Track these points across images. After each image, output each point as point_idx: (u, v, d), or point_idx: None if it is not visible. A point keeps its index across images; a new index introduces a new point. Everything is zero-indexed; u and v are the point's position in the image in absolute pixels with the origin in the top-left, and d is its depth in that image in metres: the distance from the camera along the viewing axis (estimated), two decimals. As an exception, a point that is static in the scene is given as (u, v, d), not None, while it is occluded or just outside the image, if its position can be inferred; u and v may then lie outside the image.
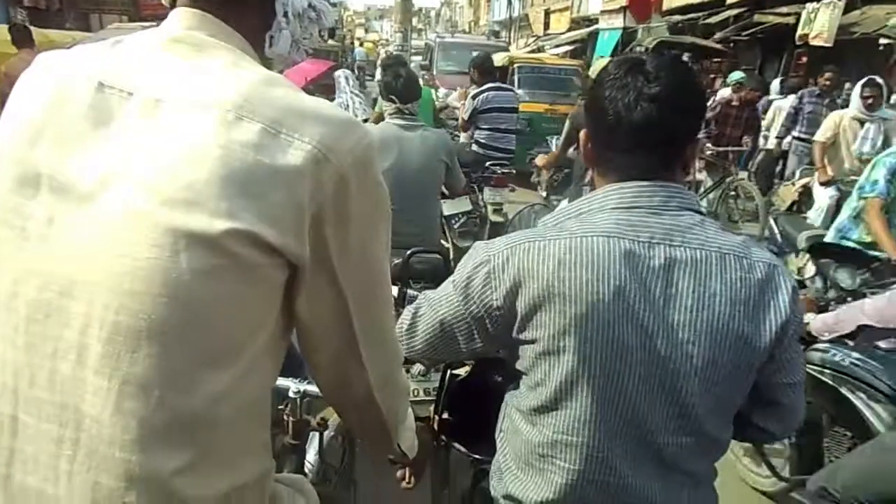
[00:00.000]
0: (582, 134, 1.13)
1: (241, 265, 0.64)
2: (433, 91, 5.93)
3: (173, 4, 0.74)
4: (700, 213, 1.07)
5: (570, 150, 4.83)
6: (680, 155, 1.07)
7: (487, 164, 4.91)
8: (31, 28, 6.29)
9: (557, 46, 18.99)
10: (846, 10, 9.77)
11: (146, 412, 0.64)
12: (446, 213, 4.18)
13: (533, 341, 1.05)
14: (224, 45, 0.71)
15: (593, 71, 5.14)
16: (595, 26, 24.16)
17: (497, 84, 5.33)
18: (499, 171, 4.83)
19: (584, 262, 1.00)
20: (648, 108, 1.00)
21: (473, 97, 5.12)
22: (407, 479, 1.25)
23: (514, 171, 5.08)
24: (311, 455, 1.51)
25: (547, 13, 31.05)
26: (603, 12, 23.08)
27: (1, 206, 0.69)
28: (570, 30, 26.86)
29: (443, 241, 3.95)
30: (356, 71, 19.93)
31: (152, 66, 0.69)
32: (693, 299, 1.00)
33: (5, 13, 12.70)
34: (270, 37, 0.78)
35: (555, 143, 5.83)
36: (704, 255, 1.01)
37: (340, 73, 6.35)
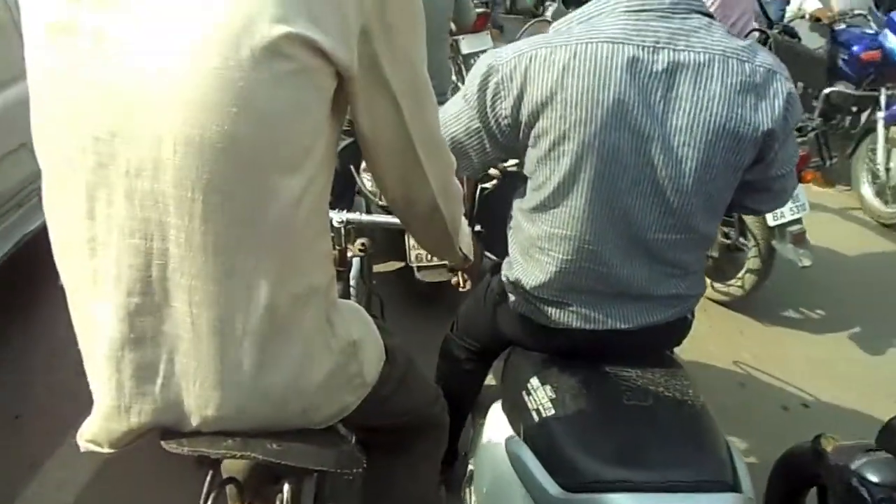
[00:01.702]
0: None
1: (299, 71, 0.66)
2: None
3: None
4: (709, 15, 1.09)
5: None
6: None
7: None
8: None
9: None
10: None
11: (232, 218, 0.68)
12: (464, 51, 3.94)
13: (536, 146, 1.13)
14: None
15: None
16: None
17: None
18: None
19: (587, 68, 1.04)
20: None
21: None
22: (462, 284, 1.39)
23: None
24: (353, 279, 1.62)
25: None
26: None
27: (47, 18, 0.67)
28: None
29: (460, 85, 3.81)
30: None
31: None
32: (691, 103, 1.05)
33: None
34: None
35: None
36: (707, 58, 1.04)
37: None
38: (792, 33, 4.40)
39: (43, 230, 0.79)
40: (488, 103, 1.14)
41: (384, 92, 0.75)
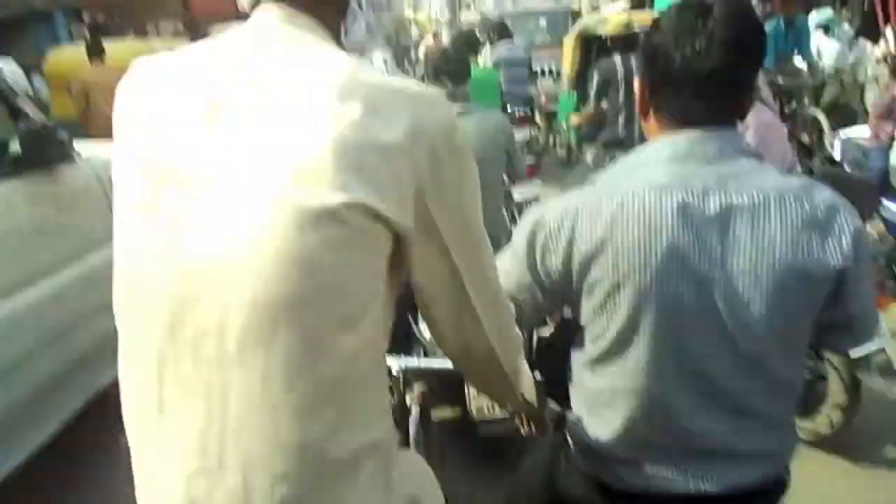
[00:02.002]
0: (637, 83, 1.15)
1: (358, 234, 0.69)
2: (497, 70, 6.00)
3: (256, 4, 0.80)
4: (758, 157, 1.08)
5: (603, 102, 4.74)
6: (741, 102, 1.08)
7: (507, 106, 5.61)
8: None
9: (615, 1, 18.31)
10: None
11: (291, 380, 0.70)
12: (517, 199, 4.08)
13: (590, 296, 1.10)
14: (312, 35, 0.78)
15: None
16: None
17: (509, 41, 6.50)
18: (519, 112, 5.88)
19: (636, 217, 1.03)
20: (719, 54, 1.00)
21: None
22: (527, 430, 1.34)
23: (530, 113, 6.34)
24: (413, 428, 1.58)
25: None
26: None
27: (133, 198, 0.76)
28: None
29: (513, 230, 3.89)
30: (401, 51, 19.82)
31: (254, 59, 0.76)
32: (752, 245, 1.01)
33: (67, 30, 13.42)
34: (345, 26, 0.85)
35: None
36: (762, 199, 1.01)
37: (378, 54, 6.39)
38: (833, 160, 4.39)
39: (112, 386, 0.83)
40: (537, 258, 1.14)
41: (439, 247, 0.78)
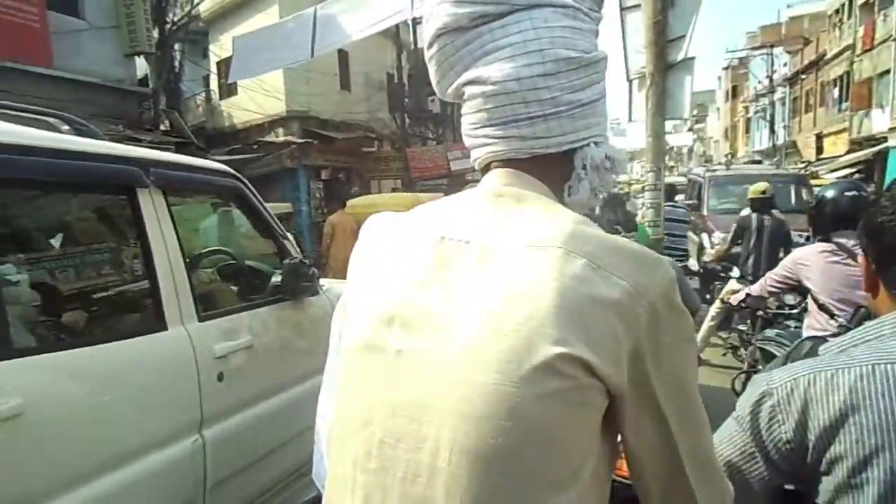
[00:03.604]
0: (861, 259, 1.16)
1: (573, 389, 0.69)
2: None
3: (486, 169, 0.87)
4: None
5: (734, 247, 6.21)
6: None
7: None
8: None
9: (834, 171, 17.47)
10: None
11: None
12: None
13: (831, 473, 1.02)
14: (537, 196, 0.81)
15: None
16: (885, 145, 21.84)
17: (672, 202, 7.59)
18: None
19: (879, 390, 0.99)
20: None
21: None
22: None
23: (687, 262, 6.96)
24: None
25: (819, 137, 29.06)
26: (892, 129, 20.89)
27: (363, 339, 0.81)
28: (849, 151, 24.72)
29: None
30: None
31: (483, 217, 0.80)
32: None
33: (308, 185, 16.09)
34: (569, 186, 0.86)
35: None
36: None
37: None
38: None
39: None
40: (763, 427, 1.10)
41: (653, 411, 0.75)
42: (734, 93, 48.72)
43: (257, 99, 15.36)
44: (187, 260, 2.34)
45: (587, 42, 0.83)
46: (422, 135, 21.51)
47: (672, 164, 51.69)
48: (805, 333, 3.26)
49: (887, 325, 1.09)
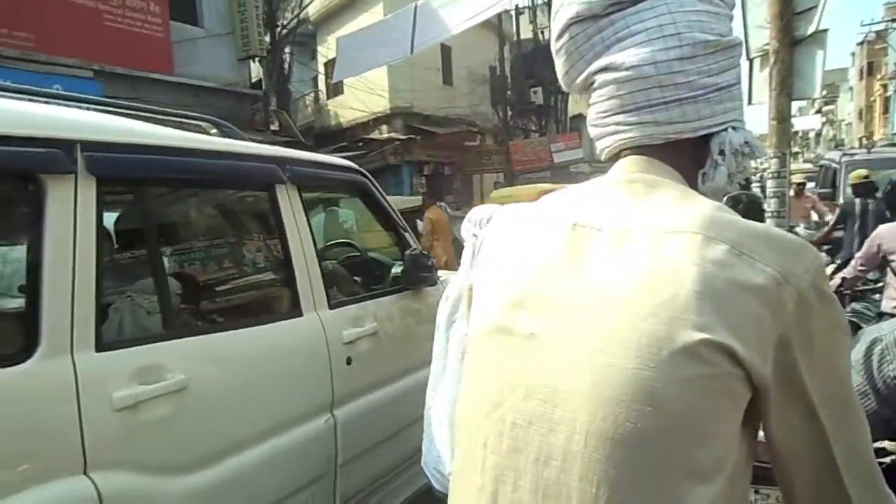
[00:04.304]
0: None
1: (716, 376, 0.68)
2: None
3: (615, 158, 0.87)
4: None
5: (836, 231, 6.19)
6: None
7: None
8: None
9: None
10: None
11: None
12: None
13: None
14: (670, 182, 0.81)
15: None
16: None
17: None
18: None
19: None
20: None
21: None
22: None
23: None
24: None
25: (973, 115, 26.27)
26: None
27: (493, 323, 0.82)
28: None
29: None
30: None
31: (614, 204, 0.80)
32: None
33: (410, 180, 16.49)
34: (704, 174, 0.85)
35: None
36: None
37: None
38: None
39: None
40: (875, 367, 1.28)
41: (802, 403, 0.72)
42: (870, 70, 44.82)
43: (362, 97, 15.92)
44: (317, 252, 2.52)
45: (723, 26, 0.82)
46: (524, 127, 21.43)
47: (797, 149, 48.40)
48: (884, 304, 3.78)
49: None
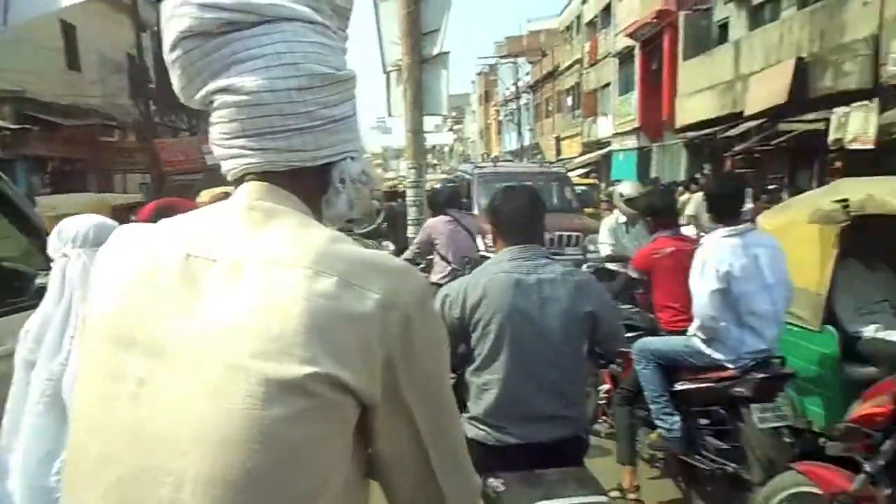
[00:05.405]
0: (485, 225, 2.44)
1: (323, 406, 0.70)
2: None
3: (240, 180, 0.85)
4: (548, 257, 2.28)
5: None
6: (539, 231, 2.35)
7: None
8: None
9: (571, 171, 19.94)
10: (881, 111, 9.94)
11: None
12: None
13: (475, 330, 2.16)
14: (289, 211, 0.80)
15: (615, 193, 5.93)
16: (608, 148, 25.42)
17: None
18: None
19: (496, 286, 2.15)
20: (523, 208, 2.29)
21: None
22: None
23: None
24: None
25: (558, 140, 32.98)
26: (615, 135, 24.40)
27: (99, 367, 0.77)
28: (582, 153, 28.31)
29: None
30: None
31: (231, 233, 0.78)
32: (555, 303, 2.15)
33: (27, 179, 13.71)
34: (327, 200, 0.87)
35: None
36: (552, 277, 2.18)
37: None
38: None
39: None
40: (446, 314, 2.18)
41: (403, 414, 0.78)
42: (487, 97, 53.10)
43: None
44: None
45: (338, 60, 0.84)
46: (173, 125, 19.80)
47: (435, 161, 54.53)
48: (432, 278, 5.02)
49: (498, 257, 2.29)
